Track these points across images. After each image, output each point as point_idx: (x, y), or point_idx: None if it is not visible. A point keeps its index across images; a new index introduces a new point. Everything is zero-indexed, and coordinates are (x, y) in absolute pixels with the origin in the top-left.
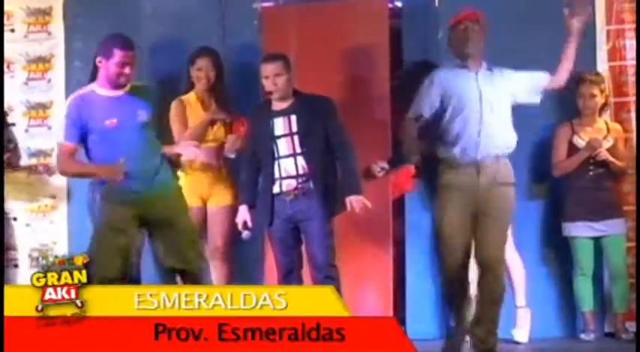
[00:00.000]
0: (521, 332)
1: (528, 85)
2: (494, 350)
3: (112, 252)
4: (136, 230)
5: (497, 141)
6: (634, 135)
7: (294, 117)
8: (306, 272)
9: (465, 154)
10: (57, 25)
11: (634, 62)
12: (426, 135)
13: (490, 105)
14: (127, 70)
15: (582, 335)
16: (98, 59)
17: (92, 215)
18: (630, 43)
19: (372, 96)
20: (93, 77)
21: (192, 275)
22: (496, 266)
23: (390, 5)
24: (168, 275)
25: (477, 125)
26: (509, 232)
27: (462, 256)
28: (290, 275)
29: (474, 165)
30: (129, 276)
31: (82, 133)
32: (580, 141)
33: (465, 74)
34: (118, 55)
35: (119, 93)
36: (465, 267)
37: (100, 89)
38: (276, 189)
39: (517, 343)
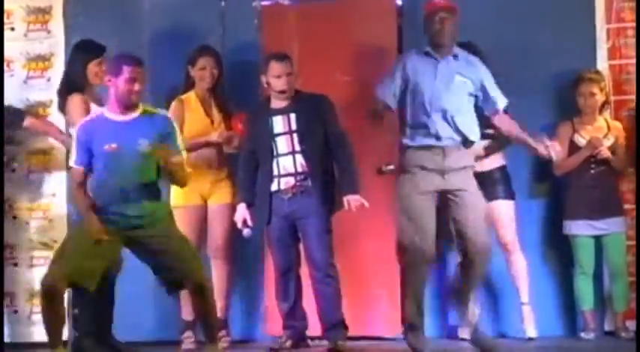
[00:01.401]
0: (531, 328)
1: (483, 96)
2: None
3: (83, 255)
4: (118, 248)
5: (460, 127)
6: (634, 133)
7: (293, 116)
8: (304, 271)
9: (427, 137)
10: (57, 24)
11: (634, 60)
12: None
13: (448, 91)
14: (136, 87)
15: (582, 334)
16: (107, 78)
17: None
18: (630, 41)
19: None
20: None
21: (199, 287)
22: (479, 249)
23: None
24: (172, 290)
25: (437, 110)
26: (514, 230)
27: (424, 237)
28: (288, 274)
29: (438, 149)
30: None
31: (88, 156)
32: (581, 140)
33: (428, 60)
34: (126, 71)
35: (126, 118)
36: (428, 251)
37: (108, 113)
38: (274, 187)
39: (530, 339)
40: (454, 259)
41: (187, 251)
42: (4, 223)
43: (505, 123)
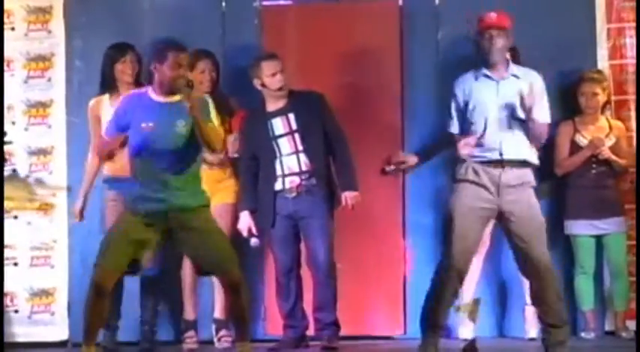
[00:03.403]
0: (533, 329)
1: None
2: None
3: (127, 249)
4: (155, 237)
5: (518, 147)
6: (634, 133)
7: (292, 116)
8: (304, 271)
9: (488, 155)
10: (57, 24)
11: (634, 60)
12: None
13: (509, 112)
14: (182, 72)
15: (583, 334)
16: (152, 65)
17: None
18: (631, 41)
19: (383, 97)
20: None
21: (235, 285)
22: (541, 268)
23: None
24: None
25: (497, 131)
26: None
27: (469, 249)
28: (289, 274)
29: (496, 165)
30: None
31: (118, 130)
32: (582, 140)
33: (485, 82)
34: (171, 57)
35: (169, 100)
36: (466, 262)
37: (152, 93)
38: (278, 186)
39: (532, 339)
40: None
41: (224, 246)
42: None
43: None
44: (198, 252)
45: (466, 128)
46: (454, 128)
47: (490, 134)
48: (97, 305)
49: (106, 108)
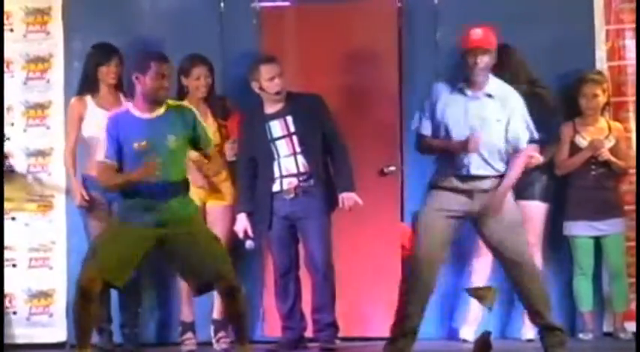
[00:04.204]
0: (531, 330)
1: (512, 135)
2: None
3: (117, 255)
4: (144, 250)
5: (488, 164)
6: (633, 134)
7: (290, 118)
8: (302, 273)
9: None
10: (56, 25)
11: (633, 62)
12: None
13: (482, 130)
14: (164, 83)
15: (581, 335)
16: (135, 76)
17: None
18: (629, 42)
19: (381, 97)
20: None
21: (230, 289)
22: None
23: None
24: (201, 292)
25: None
26: (540, 233)
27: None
28: (288, 275)
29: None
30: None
31: (119, 151)
32: (582, 141)
33: (456, 98)
34: (154, 67)
35: (153, 115)
36: (429, 264)
37: (134, 109)
38: (276, 188)
39: (530, 341)
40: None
41: (217, 251)
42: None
43: (513, 163)
44: (191, 261)
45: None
46: (426, 130)
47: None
48: (84, 309)
49: (91, 108)
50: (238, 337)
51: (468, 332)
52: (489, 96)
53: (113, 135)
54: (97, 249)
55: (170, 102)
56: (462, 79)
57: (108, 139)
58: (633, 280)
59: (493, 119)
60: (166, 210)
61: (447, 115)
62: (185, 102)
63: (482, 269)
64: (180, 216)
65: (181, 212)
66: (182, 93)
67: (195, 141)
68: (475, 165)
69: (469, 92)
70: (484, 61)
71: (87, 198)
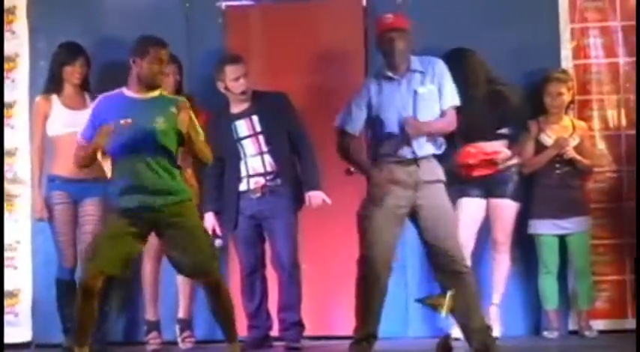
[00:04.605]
0: (497, 329)
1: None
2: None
3: (113, 251)
4: (142, 237)
5: (424, 143)
6: (596, 133)
7: (255, 118)
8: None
9: (399, 154)
10: (21, 24)
11: (598, 60)
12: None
13: (419, 107)
14: (163, 68)
15: (546, 333)
16: (132, 59)
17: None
18: (594, 41)
19: (347, 97)
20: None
21: (215, 285)
22: (450, 255)
23: None
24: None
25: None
26: (511, 231)
27: (385, 249)
28: (254, 274)
29: (410, 163)
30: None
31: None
32: (547, 139)
33: (388, 83)
34: (153, 52)
35: (146, 95)
36: (385, 264)
37: (127, 91)
38: (243, 187)
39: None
40: None
41: (207, 248)
42: None
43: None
44: (183, 252)
45: (376, 130)
46: (350, 127)
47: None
48: (85, 307)
49: (56, 107)
50: (228, 335)
51: (458, 330)
52: (414, 71)
53: (96, 116)
54: (97, 247)
55: (164, 93)
56: (385, 68)
57: (90, 120)
58: (598, 278)
59: (425, 90)
60: (161, 194)
61: (379, 102)
62: (181, 97)
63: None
64: (174, 200)
65: (175, 196)
66: None
67: (185, 136)
68: (418, 144)
69: (395, 75)
70: (401, 43)
71: (46, 216)
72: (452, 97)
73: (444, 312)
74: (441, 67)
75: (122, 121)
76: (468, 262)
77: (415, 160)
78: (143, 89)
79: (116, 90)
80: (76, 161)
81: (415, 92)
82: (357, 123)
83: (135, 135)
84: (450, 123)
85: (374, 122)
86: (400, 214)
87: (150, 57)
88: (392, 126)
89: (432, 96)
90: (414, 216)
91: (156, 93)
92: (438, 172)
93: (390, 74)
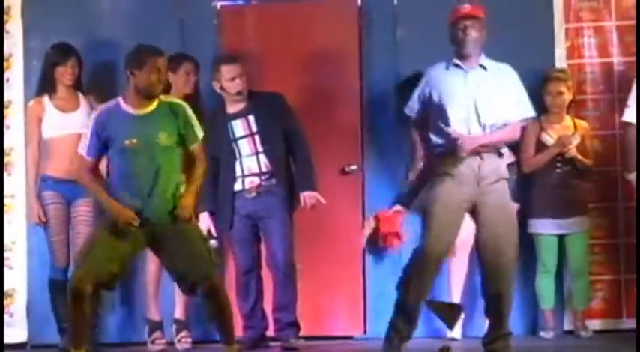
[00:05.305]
0: (458, 329)
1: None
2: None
3: (108, 255)
4: (140, 247)
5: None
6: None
7: (252, 118)
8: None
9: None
10: (15, 25)
11: (592, 60)
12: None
13: (480, 103)
14: (161, 77)
15: (542, 333)
16: (129, 71)
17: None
18: (588, 41)
19: (342, 97)
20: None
21: (213, 289)
22: (499, 261)
23: None
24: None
25: (465, 122)
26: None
27: (445, 242)
28: (249, 274)
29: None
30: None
31: (102, 147)
32: (548, 139)
33: (455, 72)
34: (150, 62)
35: (144, 111)
36: (442, 248)
37: (125, 105)
38: (238, 187)
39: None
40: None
41: (202, 252)
42: None
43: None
44: (180, 258)
45: (435, 118)
46: (409, 110)
47: (459, 124)
48: (76, 310)
49: (48, 109)
50: (225, 337)
51: (457, 330)
52: (483, 67)
53: (98, 131)
54: (88, 253)
55: (162, 97)
56: (455, 56)
57: (92, 135)
58: (593, 278)
59: (491, 90)
60: (160, 204)
61: (443, 90)
62: (175, 98)
63: (459, 269)
64: (167, 213)
65: (168, 210)
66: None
67: (184, 137)
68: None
69: (465, 65)
70: (474, 32)
71: (44, 219)
72: (526, 109)
73: (448, 323)
74: (514, 76)
75: (127, 141)
76: (466, 261)
77: (479, 153)
78: (142, 101)
79: (114, 102)
80: (80, 180)
81: (480, 87)
82: (415, 108)
83: (139, 154)
84: (512, 135)
85: (436, 110)
86: (461, 207)
87: (147, 67)
88: (455, 116)
89: (498, 97)
90: (473, 212)
91: (154, 105)
92: (501, 169)
93: (459, 63)
